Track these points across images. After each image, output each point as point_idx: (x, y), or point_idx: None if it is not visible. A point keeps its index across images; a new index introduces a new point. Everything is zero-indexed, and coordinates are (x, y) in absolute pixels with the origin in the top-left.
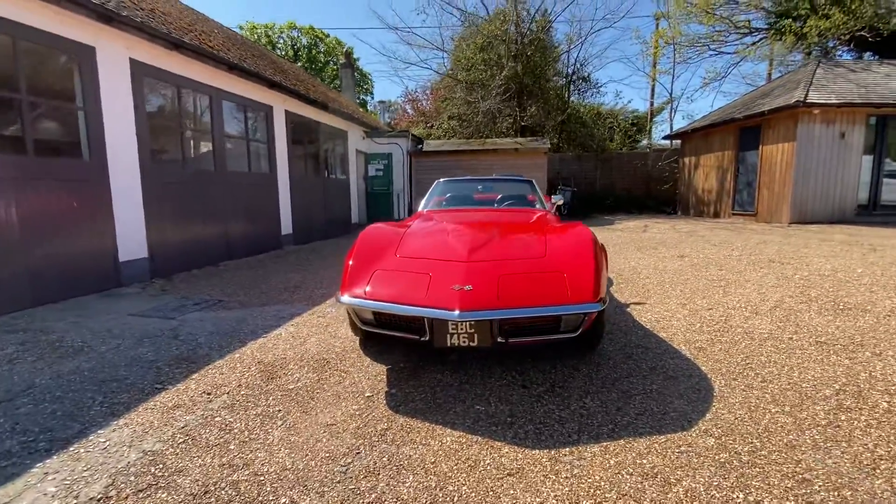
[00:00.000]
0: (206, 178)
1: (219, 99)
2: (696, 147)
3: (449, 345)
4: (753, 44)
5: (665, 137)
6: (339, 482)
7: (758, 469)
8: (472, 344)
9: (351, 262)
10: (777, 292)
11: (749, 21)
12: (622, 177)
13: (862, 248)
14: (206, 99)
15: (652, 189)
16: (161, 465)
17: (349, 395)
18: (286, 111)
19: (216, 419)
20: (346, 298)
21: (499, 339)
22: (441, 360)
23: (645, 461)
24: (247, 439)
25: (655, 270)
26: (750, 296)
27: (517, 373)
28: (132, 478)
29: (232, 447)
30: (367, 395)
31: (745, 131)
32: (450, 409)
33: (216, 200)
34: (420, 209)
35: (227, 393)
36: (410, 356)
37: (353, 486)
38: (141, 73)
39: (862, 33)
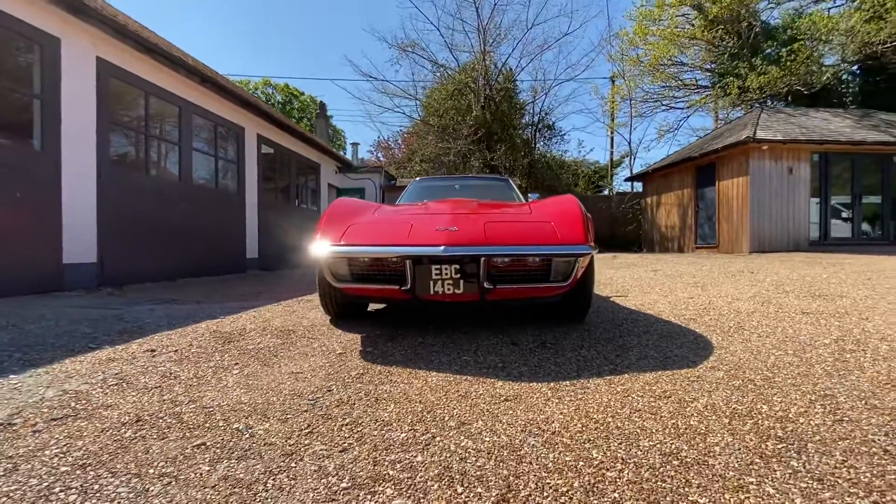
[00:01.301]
0: (170, 188)
1: (189, 112)
2: (657, 187)
3: (432, 293)
4: (701, 99)
5: (627, 179)
6: (305, 411)
7: (776, 389)
8: (457, 291)
9: (323, 221)
10: (753, 289)
11: (696, 80)
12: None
13: (823, 265)
14: (175, 110)
15: (617, 230)
16: (85, 402)
17: (318, 353)
18: (258, 134)
19: (159, 369)
20: (317, 247)
21: (486, 285)
22: (421, 325)
23: (655, 387)
24: (194, 384)
25: (632, 279)
26: (728, 291)
27: (505, 335)
28: (45, 410)
29: (177, 389)
30: (338, 352)
31: (701, 169)
32: (433, 359)
33: (179, 213)
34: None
35: (176, 351)
36: (387, 325)
37: (322, 413)
38: (107, 73)
39: (797, 87)
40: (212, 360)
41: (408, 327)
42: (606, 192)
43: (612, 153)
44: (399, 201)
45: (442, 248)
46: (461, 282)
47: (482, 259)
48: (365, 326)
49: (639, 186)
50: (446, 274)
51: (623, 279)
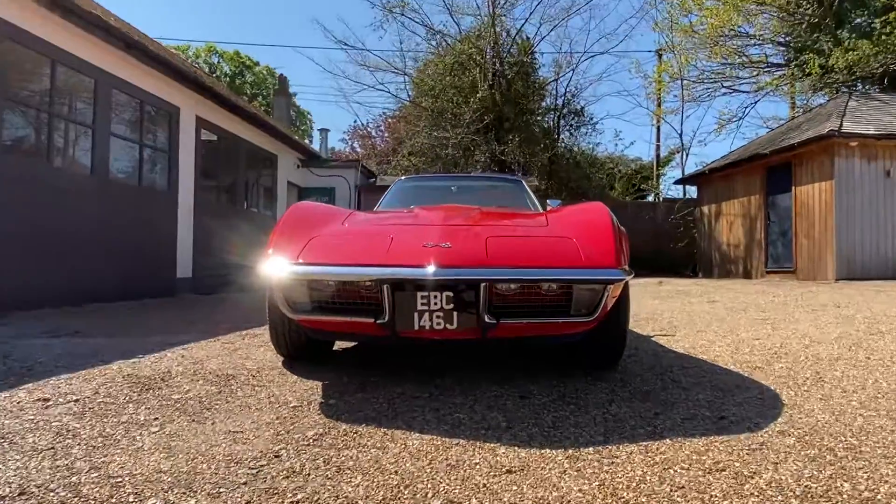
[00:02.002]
0: (79, 184)
1: (107, 86)
2: (715, 192)
3: (417, 328)
4: (772, 80)
5: (678, 182)
6: (244, 483)
7: (863, 462)
8: (449, 327)
9: (278, 231)
10: (838, 328)
11: (766, 56)
12: (627, 233)
13: None
14: (89, 83)
15: (664, 248)
16: None
17: (264, 406)
18: (198, 117)
19: (53, 424)
20: (269, 266)
21: (487, 319)
22: (402, 370)
23: (705, 458)
24: (99, 445)
25: (681, 312)
26: (806, 330)
27: (511, 385)
28: None
29: (75, 451)
30: (291, 405)
31: (773, 170)
32: (416, 416)
33: (91, 217)
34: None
35: (77, 401)
36: (357, 370)
37: (267, 486)
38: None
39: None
40: (123, 414)
41: (384, 372)
42: (651, 199)
43: (658, 148)
44: (378, 207)
45: (430, 269)
46: (455, 314)
47: (483, 285)
48: (328, 371)
49: (692, 191)
50: (435, 304)
51: (670, 313)
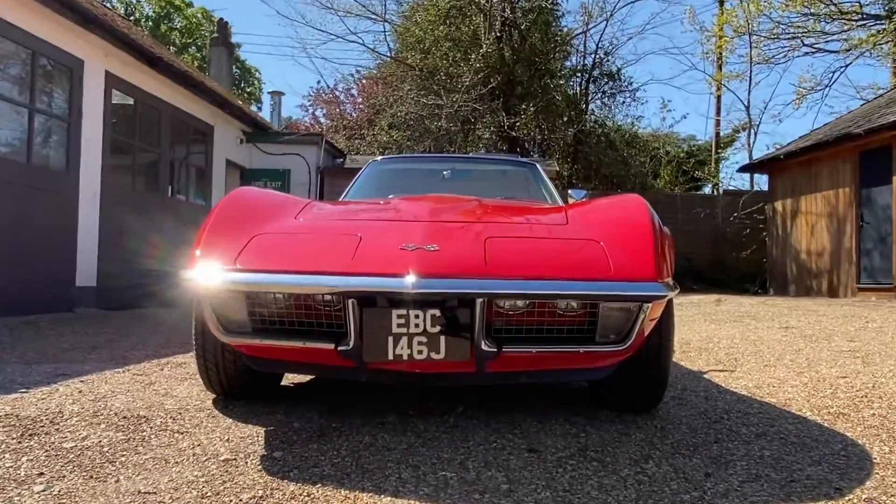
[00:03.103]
0: None
1: None
2: (792, 183)
3: (392, 357)
4: (868, 37)
5: (743, 168)
6: None
7: None
8: (435, 356)
9: (210, 225)
10: None
11: (860, 5)
12: (675, 235)
13: None
14: None
15: (724, 255)
16: None
17: (187, 459)
18: (108, 74)
19: None
20: (195, 273)
21: (485, 347)
22: (373, 412)
23: None
24: None
25: (744, 341)
26: None
27: (516, 435)
28: None
29: None
30: (223, 458)
31: (868, 156)
32: (389, 474)
33: None
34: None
35: None
36: (311, 416)
37: None
38: None
39: None
40: None
41: (349, 415)
42: (709, 191)
43: (718, 124)
44: (346, 196)
45: (410, 279)
46: (442, 339)
47: (479, 301)
48: (275, 413)
49: (762, 182)
50: (417, 325)
51: (730, 341)
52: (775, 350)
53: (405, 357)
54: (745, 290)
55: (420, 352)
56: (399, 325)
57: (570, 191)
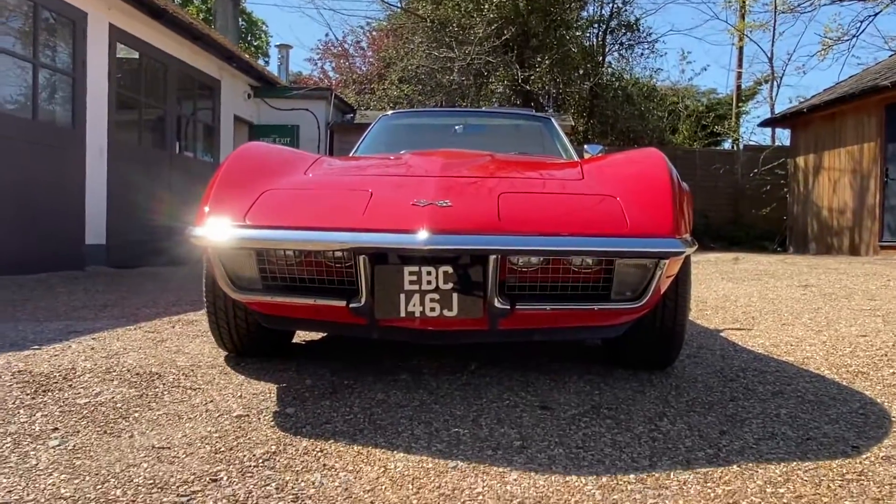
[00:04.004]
0: None
1: None
2: (815, 138)
3: (404, 314)
4: None
5: (764, 123)
6: None
7: None
8: (447, 313)
9: (218, 181)
10: None
11: None
12: (694, 191)
13: None
14: None
15: (743, 212)
16: None
17: (200, 415)
18: (112, 26)
19: None
20: (204, 230)
21: (498, 304)
22: (385, 369)
23: (783, 490)
24: None
25: (762, 299)
26: None
27: (529, 392)
28: None
29: None
30: (235, 414)
31: (895, 109)
32: (402, 430)
33: None
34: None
35: None
36: (323, 373)
37: None
38: None
39: None
40: (12, 423)
41: (361, 372)
42: (729, 146)
43: (739, 77)
44: (357, 151)
45: (422, 235)
46: (455, 297)
47: (493, 258)
48: (287, 370)
49: (784, 137)
50: (429, 282)
51: (747, 299)
52: (794, 309)
53: (417, 314)
54: (764, 248)
55: (433, 309)
56: (411, 282)
57: (585, 146)
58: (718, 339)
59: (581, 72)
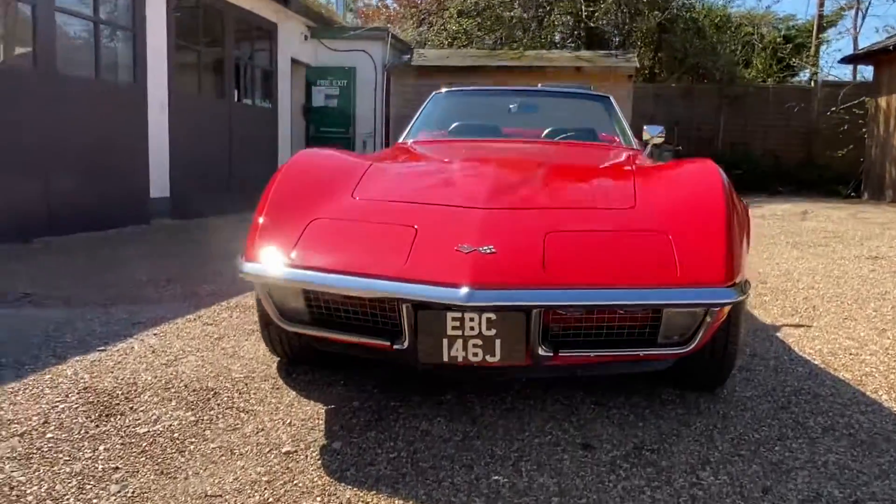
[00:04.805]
0: (17, 84)
1: None
2: None
3: (447, 359)
4: None
5: (846, 59)
6: None
7: None
8: (489, 359)
9: (267, 206)
10: None
11: None
12: (765, 130)
13: None
14: None
15: (816, 154)
16: None
17: (251, 451)
18: None
19: None
20: (253, 267)
21: (541, 352)
22: (426, 397)
23: None
24: None
25: (826, 278)
26: None
27: (572, 424)
28: None
29: None
30: (284, 449)
31: None
32: (441, 476)
33: (34, 127)
34: (401, 140)
35: (20, 435)
36: (370, 390)
37: None
38: None
39: None
40: (78, 459)
41: (407, 391)
42: (806, 80)
43: (822, 3)
44: (409, 132)
45: (465, 291)
46: (498, 343)
47: (535, 311)
48: (336, 384)
49: (867, 73)
50: (472, 328)
51: (811, 278)
52: (859, 293)
53: (460, 359)
54: (837, 193)
55: (475, 354)
56: (454, 328)
57: (645, 127)
58: (774, 343)
59: (648, 3)
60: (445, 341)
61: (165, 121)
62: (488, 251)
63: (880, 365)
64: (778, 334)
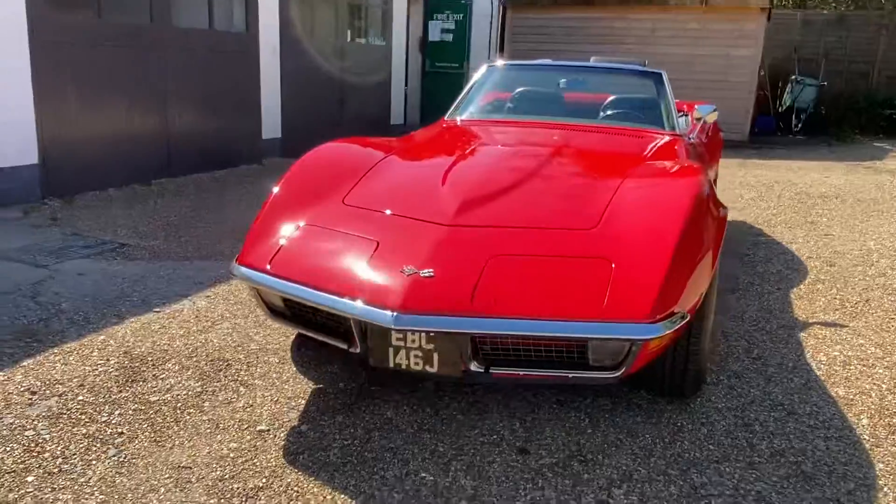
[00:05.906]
0: (137, 36)
1: None
2: None
3: (392, 365)
4: None
5: None
6: None
7: None
8: (428, 369)
9: (263, 212)
10: None
11: None
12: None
13: None
14: None
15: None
16: None
17: (233, 426)
18: None
19: (27, 433)
20: (241, 270)
21: (473, 367)
22: (406, 384)
23: None
24: (55, 472)
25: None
26: None
27: (524, 424)
28: None
29: (29, 479)
30: (260, 427)
31: None
32: (377, 471)
33: (154, 75)
34: (448, 116)
35: (59, 395)
36: (360, 371)
37: None
38: None
39: None
40: (94, 422)
41: (392, 377)
42: None
43: None
44: (459, 106)
45: (392, 314)
46: (435, 356)
47: (461, 336)
48: (334, 363)
49: None
50: (413, 341)
51: (891, 261)
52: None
53: (404, 366)
54: None
55: (416, 364)
56: (398, 339)
57: (696, 106)
58: (790, 345)
59: None
60: (391, 350)
61: (277, 64)
62: (427, 275)
63: (887, 381)
64: (802, 334)
